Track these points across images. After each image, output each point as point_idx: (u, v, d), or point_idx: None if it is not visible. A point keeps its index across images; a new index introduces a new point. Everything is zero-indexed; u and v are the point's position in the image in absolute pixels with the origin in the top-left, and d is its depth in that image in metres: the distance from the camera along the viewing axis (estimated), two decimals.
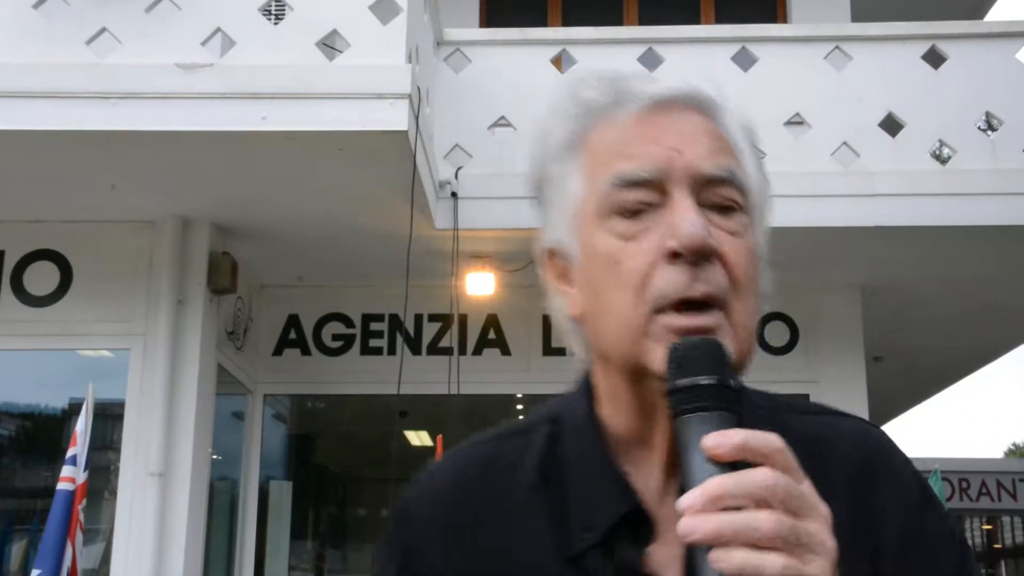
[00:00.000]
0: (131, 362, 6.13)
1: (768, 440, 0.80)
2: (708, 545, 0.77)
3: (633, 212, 0.96)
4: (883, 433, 1.09)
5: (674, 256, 0.93)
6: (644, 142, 0.97)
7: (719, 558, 0.77)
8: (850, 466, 1.02)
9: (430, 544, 1.02)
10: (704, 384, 0.85)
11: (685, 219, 0.93)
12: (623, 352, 0.96)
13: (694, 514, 0.78)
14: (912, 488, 1.04)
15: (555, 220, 1.03)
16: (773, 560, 0.76)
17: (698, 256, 0.93)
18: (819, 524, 0.80)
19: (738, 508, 0.78)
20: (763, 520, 0.77)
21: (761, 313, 1.00)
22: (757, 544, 0.77)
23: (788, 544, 0.77)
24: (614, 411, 1.02)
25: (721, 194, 0.97)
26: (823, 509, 0.81)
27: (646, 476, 0.99)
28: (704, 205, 0.96)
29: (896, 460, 1.05)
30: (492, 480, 1.03)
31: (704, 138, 0.98)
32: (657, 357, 0.92)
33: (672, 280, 0.93)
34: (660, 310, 0.93)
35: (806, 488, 0.81)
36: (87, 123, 5.06)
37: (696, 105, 1.00)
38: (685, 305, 0.93)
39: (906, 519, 1.01)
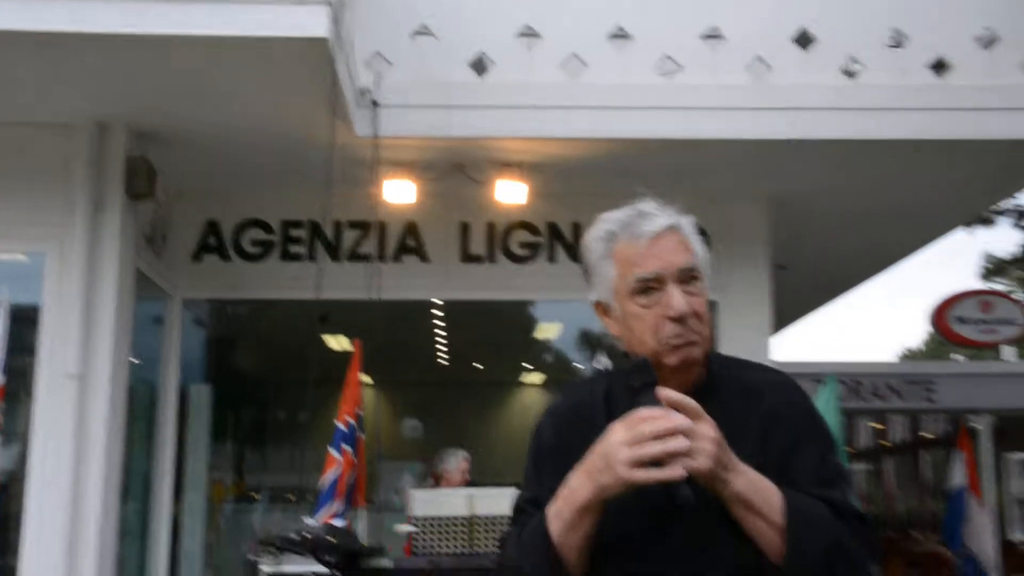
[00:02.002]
0: (47, 266, 6.09)
1: (683, 398, 1.66)
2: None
3: (647, 293, 1.81)
4: (796, 383, 1.91)
5: (671, 319, 1.79)
6: (651, 258, 1.81)
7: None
8: (772, 396, 1.86)
9: (551, 439, 1.92)
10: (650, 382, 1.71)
11: (675, 299, 1.79)
12: (650, 355, 1.80)
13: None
14: (804, 406, 1.88)
15: (600, 288, 1.89)
16: (681, 461, 1.61)
17: (683, 318, 1.78)
18: (704, 442, 1.62)
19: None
20: (679, 442, 1.61)
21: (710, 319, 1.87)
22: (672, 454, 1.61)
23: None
24: None
25: (688, 275, 1.82)
26: (711, 432, 1.64)
27: None
28: (681, 281, 1.80)
29: (798, 394, 1.89)
30: (578, 409, 1.93)
31: (679, 248, 1.83)
32: (672, 359, 1.79)
33: (672, 331, 1.79)
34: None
35: (702, 424, 1.64)
36: (0, 23, 4.96)
37: (673, 229, 1.83)
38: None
39: (798, 421, 1.84)
